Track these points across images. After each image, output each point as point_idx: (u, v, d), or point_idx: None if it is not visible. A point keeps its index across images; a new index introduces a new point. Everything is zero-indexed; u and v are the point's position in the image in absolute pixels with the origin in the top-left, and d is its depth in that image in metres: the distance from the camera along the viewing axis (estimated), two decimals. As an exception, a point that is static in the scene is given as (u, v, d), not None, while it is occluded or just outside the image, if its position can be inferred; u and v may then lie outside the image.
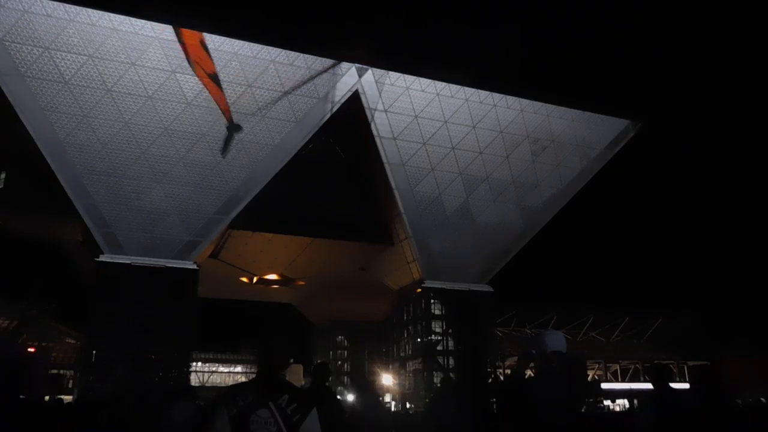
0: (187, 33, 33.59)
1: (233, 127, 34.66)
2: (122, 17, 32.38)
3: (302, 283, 51.05)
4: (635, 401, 47.62)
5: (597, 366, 54.04)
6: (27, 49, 30.76)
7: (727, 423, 5.73)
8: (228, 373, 61.35)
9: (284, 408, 3.59)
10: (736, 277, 61.07)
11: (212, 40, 33.94)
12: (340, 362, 59.82)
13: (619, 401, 50.27)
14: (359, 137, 39.13)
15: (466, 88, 39.51)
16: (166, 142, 33.83)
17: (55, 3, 31.12)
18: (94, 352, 33.57)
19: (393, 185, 38.86)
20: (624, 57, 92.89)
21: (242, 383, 3.97)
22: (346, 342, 60.88)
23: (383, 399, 46.97)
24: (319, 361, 30.57)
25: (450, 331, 42.56)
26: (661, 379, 6.22)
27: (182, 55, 33.32)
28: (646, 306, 56.70)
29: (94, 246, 33.84)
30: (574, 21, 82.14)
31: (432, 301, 42.44)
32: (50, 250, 42.18)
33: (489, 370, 42.63)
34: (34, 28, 30.75)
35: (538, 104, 41.28)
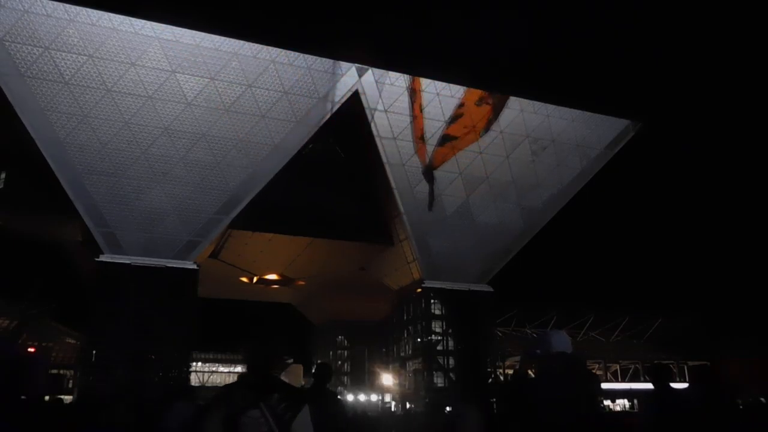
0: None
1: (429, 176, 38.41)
2: (122, 17, 32.38)
3: (302, 283, 51.06)
4: (635, 401, 47.65)
5: (597, 366, 54.03)
6: (27, 49, 30.75)
7: (727, 423, 5.73)
8: (228, 373, 61.28)
9: (275, 407, 3.58)
10: (736, 277, 61.05)
11: (212, 40, 33.95)
12: (340, 362, 59.82)
13: (619, 401, 50.27)
14: (359, 137, 39.13)
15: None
16: (166, 142, 33.83)
17: (55, 3, 31.11)
18: (94, 352, 33.53)
19: (393, 185, 38.85)
20: (624, 57, 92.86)
21: (232, 384, 3.96)
22: (346, 342, 60.86)
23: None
24: (319, 362, 30.60)
25: (450, 331, 42.54)
26: (661, 379, 6.22)
27: (182, 54, 33.33)
28: (646, 306, 56.69)
29: (94, 246, 33.82)
30: (573, 21, 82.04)
31: (432, 301, 42.41)
32: (50, 250, 42.19)
33: (489, 370, 42.62)
34: (34, 28, 30.74)
35: (538, 104, 41.27)
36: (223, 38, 34.17)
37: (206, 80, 33.86)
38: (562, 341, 5.35)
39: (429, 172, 38.17)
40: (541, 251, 47.80)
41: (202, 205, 35.02)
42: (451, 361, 42.08)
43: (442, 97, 38.96)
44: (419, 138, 37.72)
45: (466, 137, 39.03)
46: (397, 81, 38.01)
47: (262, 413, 3.55)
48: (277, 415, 3.57)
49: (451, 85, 39.35)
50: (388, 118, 37.92)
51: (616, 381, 54.30)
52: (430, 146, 38.35)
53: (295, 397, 3.73)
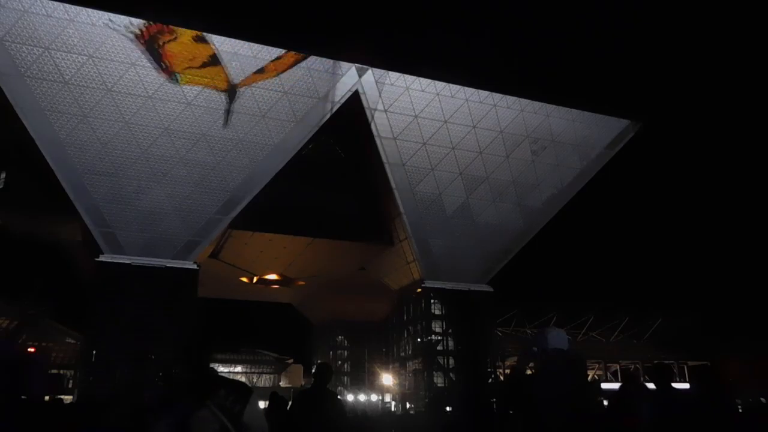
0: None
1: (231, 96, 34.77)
2: (123, 17, 32.34)
3: (302, 283, 51.06)
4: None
5: (597, 366, 54.06)
6: (27, 49, 30.76)
7: (727, 423, 5.73)
8: (228, 374, 61.31)
9: (223, 403, 3.55)
10: (736, 277, 60.98)
11: (212, 40, 33.94)
12: (340, 362, 59.85)
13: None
14: (359, 137, 39.14)
15: (466, 88, 39.50)
16: (166, 142, 33.83)
17: (55, 3, 31.11)
18: (94, 352, 33.57)
19: (393, 185, 38.85)
20: (624, 57, 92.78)
21: (174, 388, 3.90)
22: (346, 342, 60.90)
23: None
24: (319, 362, 30.55)
25: (450, 331, 42.57)
26: (661, 379, 6.23)
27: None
28: (646, 306, 56.63)
29: (94, 246, 33.84)
30: (573, 21, 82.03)
31: (432, 301, 42.43)
32: (50, 250, 42.18)
33: (489, 370, 42.64)
34: (34, 28, 30.74)
35: (538, 104, 41.27)
36: (223, 38, 34.17)
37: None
38: (558, 338, 5.38)
39: (232, 90, 34.99)
40: (541, 251, 47.77)
41: (202, 205, 35.03)
42: (451, 361, 42.10)
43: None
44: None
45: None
46: (397, 81, 38.01)
47: (211, 411, 3.51)
48: (227, 409, 3.54)
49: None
50: (388, 118, 37.93)
51: (617, 381, 54.33)
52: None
53: (240, 388, 3.70)
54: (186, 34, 33.46)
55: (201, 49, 33.69)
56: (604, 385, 50.35)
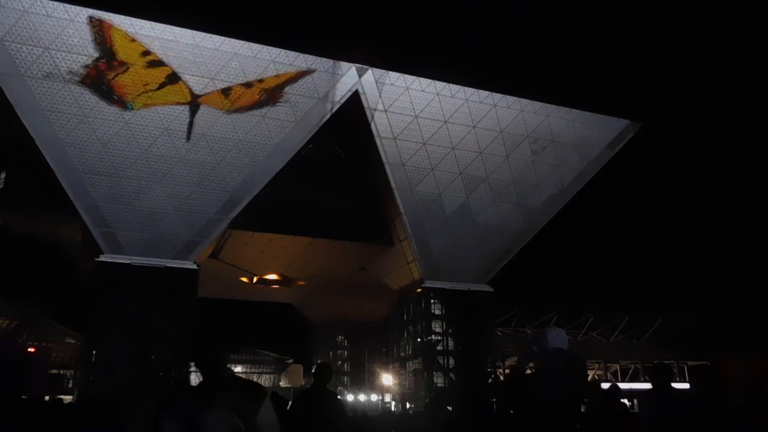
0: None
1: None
2: (122, 17, 32.35)
3: (302, 283, 51.07)
4: (635, 401, 47.62)
5: (597, 366, 54.06)
6: (27, 49, 30.76)
7: (727, 423, 5.74)
8: (228, 373, 61.24)
9: (235, 403, 3.53)
10: (736, 277, 60.94)
11: (212, 40, 33.95)
12: (340, 362, 59.86)
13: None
14: (359, 137, 39.14)
15: (466, 88, 39.50)
16: (166, 142, 33.84)
17: (55, 3, 31.11)
18: (94, 352, 33.57)
19: (393, 185, 38.86)
20: (624, 57, 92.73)
21: (188, 389, 3.89)
22: (346, 342, 60.91)
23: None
24: (319, 362, 30.53)
25: (450, 331, 42.57)
26: (661, 379, 6.23)
27: (182, 54, 33.23)
28: (646, 306, 56.63)
29: (94, 246, 33.84)
30: (573, 21, 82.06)
31: (432, 301, 42.44)
32: (50, 250, 42.19)
33: (489, 370, 42.65)
34: (34, 28, 30.75)
35: (538, 104, 41.26)
36: (222, 38, 34.15)
37: (206, 80, 33.86)
38: (558, 338, 5.39)
39: (195, 103, 33.99)
40: (541, 251, 47.77)
41: (202, 205, 35.04)
42: (451, 361, 42.09)
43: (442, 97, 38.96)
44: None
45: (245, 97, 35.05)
46: (397, 81, 38.00)
47: (223, 412, 3.50)
48: (240, 410, 3.52)
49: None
50: (388, 118, 37.93)
51: (616, 381, 54.34)
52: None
53: (253, 390, 3.68)
54: (138, 63, 32.58)
55: (156, 72, 32.96)
56: (605, 385, 50.32)
